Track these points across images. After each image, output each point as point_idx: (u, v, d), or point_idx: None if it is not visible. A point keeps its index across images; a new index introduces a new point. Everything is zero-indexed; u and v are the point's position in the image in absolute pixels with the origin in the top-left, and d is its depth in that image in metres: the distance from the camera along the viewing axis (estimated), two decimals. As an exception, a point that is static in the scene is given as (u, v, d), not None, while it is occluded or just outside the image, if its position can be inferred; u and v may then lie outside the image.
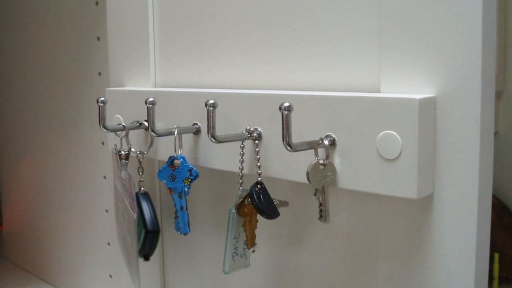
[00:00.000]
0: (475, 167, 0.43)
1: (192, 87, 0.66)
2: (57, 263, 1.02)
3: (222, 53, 0.62)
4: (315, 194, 0.49)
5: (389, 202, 0.49)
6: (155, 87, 0.71)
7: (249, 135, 0.54)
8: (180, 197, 0.60)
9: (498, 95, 0.96)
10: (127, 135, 0.66)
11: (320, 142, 0.48)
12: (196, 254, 0.70)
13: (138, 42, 0.71)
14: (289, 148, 0.46)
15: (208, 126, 0.52)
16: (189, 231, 0.61)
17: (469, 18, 0.42)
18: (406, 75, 0.46)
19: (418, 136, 0.43)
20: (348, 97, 0.47)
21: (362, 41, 0.50)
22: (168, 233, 0.73)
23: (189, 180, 0.59)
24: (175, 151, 0.60)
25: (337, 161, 0.48)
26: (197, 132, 0.61)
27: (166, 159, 0.61)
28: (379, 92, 0.48)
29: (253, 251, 0.56)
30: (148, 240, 0.67)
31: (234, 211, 0.55)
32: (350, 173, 0.48)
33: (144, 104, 0.59)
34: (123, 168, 0.65)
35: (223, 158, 0.58)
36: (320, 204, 0.49)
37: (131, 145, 0.66)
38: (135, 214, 0.63)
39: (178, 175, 0.60)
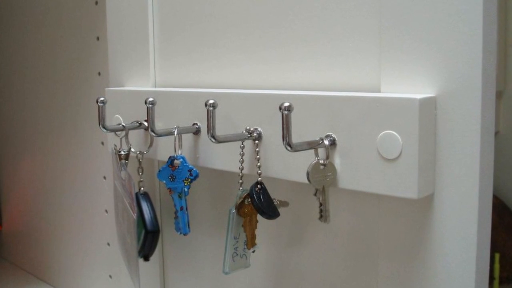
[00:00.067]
0: (476, 167, 0.43)
1: (192, 87, 0.66)
2: (56, 264, 1.02)
3: (222, 53, 0.62)
4: (315, 194, 0.49)
5: (389, 202, 0.49)
6: (155, 87, 0.71)
7: (249, 135, 0.54)
8: (180, 197, 0.60)
9: (499, 95, 0.96)
10: (126, 135, 0.66)
11: (320, 142, 0.48)
12: (196, 255, 0.70)
13: (137, 42, 0.71)
14: (289, 148, 0.46)
15: (208, 126, 0.52)
16: (189, 231, 0.61)
17: (469, 18, 0.42)
18: (407, 74, 0.46)
19: (418, 136, 0.43)
20: (348, 97, 0.47)
21: (362, 41, 0.50)
22: (168, 233, 0.73)
23: (189, 180, 0.59)
24: (175, 151, 0.60)
25: (337, 161, 0.48)
26: (197, 132, 0.61)
27: (166, 159, 0.60)
28: (379, 92, 0.48)
29: (253, 251, 0.56)
30: (148, 241, 0.67)
31: (234, 211, 0.55)
32: (350, 173, 0.48)
33: (144, 104, 0.59)
34: (122, 168, 0.65)
35: (223, 158, 0.58)
36: (320, 204, 0.49)
37: (130, 145, 0.66)
38: (135, 214, 0.63)
39: (178, 175, 0.59)
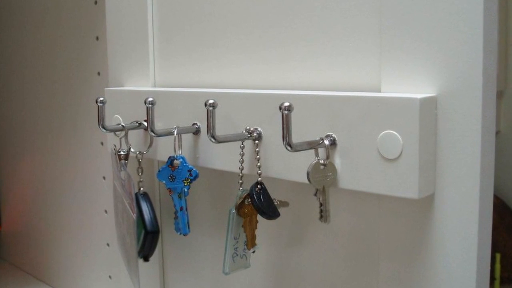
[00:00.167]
0: (476, 167, 0.43)
1: (191, 87, 0.66)
2: (56, 264, 1.02)
3: (221, 53, 0.62)
4: (315, 194, 0.49)
5: (390, 202, 0.49)
6: (155, 87, 0.70)
7: (249, 135, 0.54)
8: (179, 197, 0.60)
9: (500, 95, 0.96)
10: (126, 135, 0.66)
11: (321, 142, 0.48)
12: (196, 255, 0.70)
13: (137, 42, 0.71)
14: (289, 148, 0.46)
15: (207, 126, 0.52)
16: (189, 231, 0.61)
17: (470, 17, 0.42)
18: (407, 74, 0.46)
19: (419, 136, 0.43)
20: (349, 97, 0.47)
21: (363, 41, 0.50)
22: (167, 234, 0.73)
23: (189, 180, 0.59)
24: (175, 151, 0.60)
25: (337, 161, 0.48)
26: (196, 132, 0.60)
27: (166, 159, 0.60)
28: (379, 91, 0.48)
29: (253, 252, 0.56)
30: (147, 241, 0.67)
31: (234, 211, 0.55)
32: (350, 173, 0.47)
33: (144, 104, 0.59)
34: (122, 169, 0.65)
35: (223, 158, 0.58)
36: (321, 204, 0.49)
37: (130, 145, 0.66)
38: (135, 214, 0.62)
39: (178, 175, 0.59)
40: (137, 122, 0.66)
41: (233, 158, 0.56)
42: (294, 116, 0.46)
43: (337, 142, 0.48)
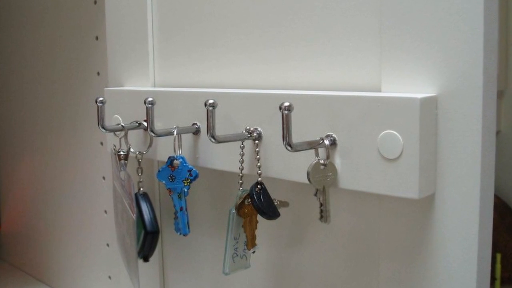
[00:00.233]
0: (477, 167, 0.43)
1: (191, 87, 0.66)
2: (55, 265, 1.02)
3: (221, 53, 0.62)
4: (315, 194, 0.49)
5: (390, 202, 0.48)
6: (154, 87, 0.70)
7: (249, 135, 0.54)
8: (179, 197, 0.60)
9: (500, 94, 0.96)
10: (126, 135, 0.65)
11: (321, 142, 0.48)
12: (196, 255, 0.70)
13: (137, 42, 0.71)
14: (289, 148, 0.46)
15: (207, 126, 0.52)
16: (189, 232, 0.61)
17: (470, 17, 0.42)
18: (407, 74, 0.46)
19: (419, 135, 0.43)
20: (349, 97, 0.47)
21: (363, 40, 0.50)
22: (167, 234, 0.73)
23: (189, 180, 0.59)
24: (175, 151, 0.60)
25: (337, 161, 0.48)
26: (196, 132, 0.60)
27: (166, 159, 0.60)
28: (380, 91, 0.48)
29: (253, 252, 0.56)
30: (147, 241, 0.67)
31: (234, 211, 0.55)
32: (351, 173, 0.47)
33: (143, 104, 0.59)
34: (122, 169, 0.65)
35: (223, 158, 0.58)
36: (321, 205, 0.49)
37: (130, 145, 0.66)
38: (134, 215, 0.62)
39: (178, 175, 0.59)
40: (136, 122, 0.66)
41: (233, 158, 0.56)
42: (294, 116, 0.46)
43: (337, 142, 0.48)
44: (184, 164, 0.59)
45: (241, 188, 0.55)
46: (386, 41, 0.47)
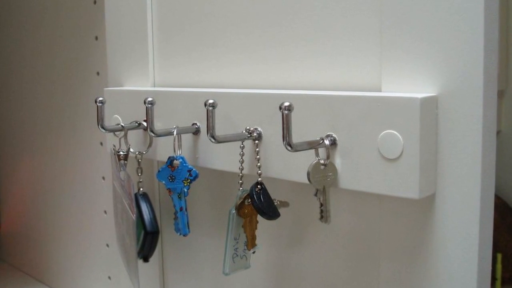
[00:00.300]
0: (477, 167, 0.43)
1: (191, 87, 0.66)
2: (55, 265, 1.02)
3: (221, 53, 0.62)
4: (315, 195, 0.49)
5: (390, 203, 0.48)
6: (154, 86, 0.70)
7: (249, 135, 0.54)
8: (179, 197, 0.60)
9: (501, 94, 0.96)
10: (125, 135, 0.65)
11: (321, 142, 0.48)
12: (196, 256, 0.70)
13: (136, 42, 0.71)
14: (289, 148, 0.46)
15: (207, 126, 0.52)
16: (189, 232, 0.61)
17: (471, 16, 0.42)
18: (408, 74, 0.46)
19: (419, 135, 0.43)
20: (349, 97, 0.47)
21: (363, 40, 0.49)
22: (167, 234, 0.73)
23: (189, 180, 0.59)
24: (174, 151, 0.60)
25: (338, 161, 0.48)
26: (196, 132, 0.60)
27: (165, 159, 0.60)
28: (380, 91, 0.48)
29: (254, 252, 0.56)
30: (147, 242, 0.67)
31: (234, 211, 0.54)
32: (351, 173, 0.47)
33: (143, 104, 0.59)
34: (122, 169, 0.65)
35: (223, 158, 0.58)
36: (321, 205, 0.49)
37: (129, 145, 0.66)
38: (134, 215, 0.62)
39: (178, 175, 0.59)
40: (136, 122, 0.66)
41: (233, 158, 0.56)
42: (294, 116, 0.46)
43: (338, 142, 0.48)
44: (184, 164, 0.59)
45: (241, 188, 0.55)
46: (386, 41, 0.47)
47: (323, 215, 0.49)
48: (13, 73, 1.06)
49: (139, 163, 0.66)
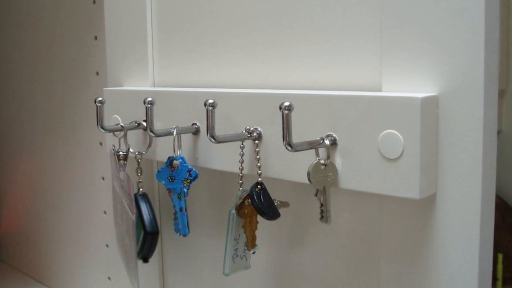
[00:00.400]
0: (478, 167, 0.43)
1: (191, 87, 0.65)
2: (55, 265, 1.02)
3: (221, 52, 0.62)
4: (316, 195, 0.48)
5: (391, 203, 0.48)
6: (154, 86, 0.70)
7: (249, 135, 0.54)
8: (179, 198, 0.60)
9: (501, 94, 0.96)
10: (125, 135, 0.65)
11: (321, 141, 0.48)
12: (196, 256, 0.70)
13: (136, 41, 0.71)
14: (289, 148, 0.46)
15: (207, 126, 0.52)
16: (189, 232, 0.61)
17: (471, 16, 0.42)
18: (408, 73, 0.46)
19: (420, 135, 0.43)
20: (349, 96, 0.47)
21: (363, 40, 0.49)
22: (167, 235, 0.73)
23: (188, 180, 0.59)
24: (174, 151, 0.59)
25: (338, 161, 0.48)
26: (196, 132, 0.60)
27: (165, 159, 0.60)
28: (380, 91, 0.48)
29: (254, 253, 0.56)
30: (147, 242, 0.67)
31: (234, 212, 0.54)
32: (351, 173, 0.47)
33: (143, 104, 0.58)
34: (121, 169, 0.65)
35: (223, 159, 0.57)
36: (321, 205, 0.49)
37: (129, 145, 0.66)
38: (134, 215, 0.62)
39: (177, 175, 0.59)
40: (136, 122, 0.66)
41: (233, 158, 0.56)
42: (294, 116, 0.46)
43: (338, 142, 0.48)
44: (184, 165, 0.59)
45: (241, 189, 0.54)
46: (386, 41, 0.47)
47: (324, 215, 0.49)
48: (12, 73, 1.06)
49: (138, 163, 0.66)
